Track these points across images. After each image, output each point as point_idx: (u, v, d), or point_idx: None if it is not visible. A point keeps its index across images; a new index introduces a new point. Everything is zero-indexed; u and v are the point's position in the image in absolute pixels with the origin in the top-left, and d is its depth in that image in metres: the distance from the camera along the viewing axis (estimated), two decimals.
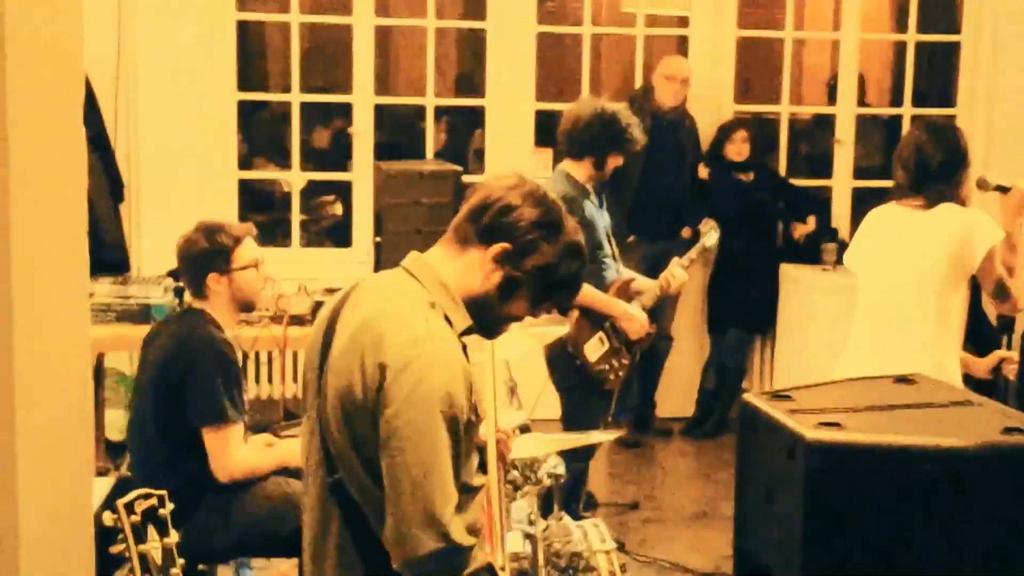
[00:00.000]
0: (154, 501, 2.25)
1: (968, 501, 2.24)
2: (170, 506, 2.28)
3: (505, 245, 2.49)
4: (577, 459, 4.78)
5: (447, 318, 2.49)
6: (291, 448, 3.96)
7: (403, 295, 2.50)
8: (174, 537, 2.14)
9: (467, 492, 2.45)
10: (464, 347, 2.51)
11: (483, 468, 2.69)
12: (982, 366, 4.51)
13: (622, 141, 5.00)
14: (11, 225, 1.98)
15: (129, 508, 2.20)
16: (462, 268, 2.52)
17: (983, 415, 2.42)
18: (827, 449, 2.22)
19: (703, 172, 6.83)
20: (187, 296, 4.35)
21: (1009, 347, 4.76)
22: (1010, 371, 4.46)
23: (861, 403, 2.43)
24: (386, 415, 2.36)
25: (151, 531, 2.14)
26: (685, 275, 5.23)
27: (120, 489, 4.05)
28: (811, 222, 6.91)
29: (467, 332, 2.53)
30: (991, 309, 4.57)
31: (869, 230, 4.19)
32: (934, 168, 3.94)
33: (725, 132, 6.78)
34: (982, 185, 4.17)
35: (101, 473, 5.46)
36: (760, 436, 2.40)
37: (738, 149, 6.73)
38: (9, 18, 1.92)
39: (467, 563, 2.40)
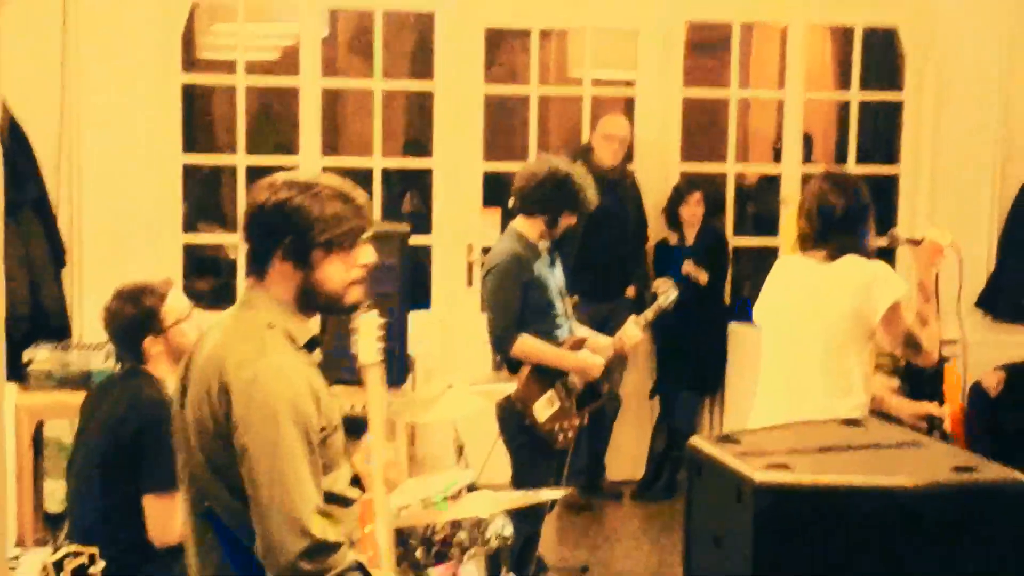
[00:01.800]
0: (84, 559, 2.17)
1: (919, 540, 2.20)
2: (100, 564, 2.20)
3: (285, 240, 2.60)
4: (527, 522, 4.71)
5: (290, 336, 2.60)
6: None
7: (240, 324, 2.64)
8: None
9: (335, 502, 2.57)
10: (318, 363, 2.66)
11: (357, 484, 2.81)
12: (908, 410, 4.51)
13: (576, 201, 5.00)
14: None
15: (58, 567, 2.12)
16: (277, 284, 2.63)
17: (932, 455, 2.39)
18: (775, 491, 2.18)
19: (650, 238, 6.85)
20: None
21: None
22: (947, 427, 4.45)
23: (809, 445, 2.40)
24: (237, 434, 2.49)
25: None
26: (640, 334, 5.21)
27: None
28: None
29: (312, 343, 2.66)
30: None
31: (774, 282, 4.17)
32: (836, 218, 3.92)
33: (679, 193, 6.78)
34: (893, 240, 4.22)
35: (40, 544, 5.32)
36: (707, 480, 2.35)
37: (692, 211, 6.73)
38: None
39: (337, 562, 2.48)
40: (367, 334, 2.88)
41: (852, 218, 3.94)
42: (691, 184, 6.85)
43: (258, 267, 2.66)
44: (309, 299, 2.64)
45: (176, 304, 3.96)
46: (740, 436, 2.45)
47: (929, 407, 4.40)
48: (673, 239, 6.86)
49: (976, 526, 2.21)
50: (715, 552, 2.33)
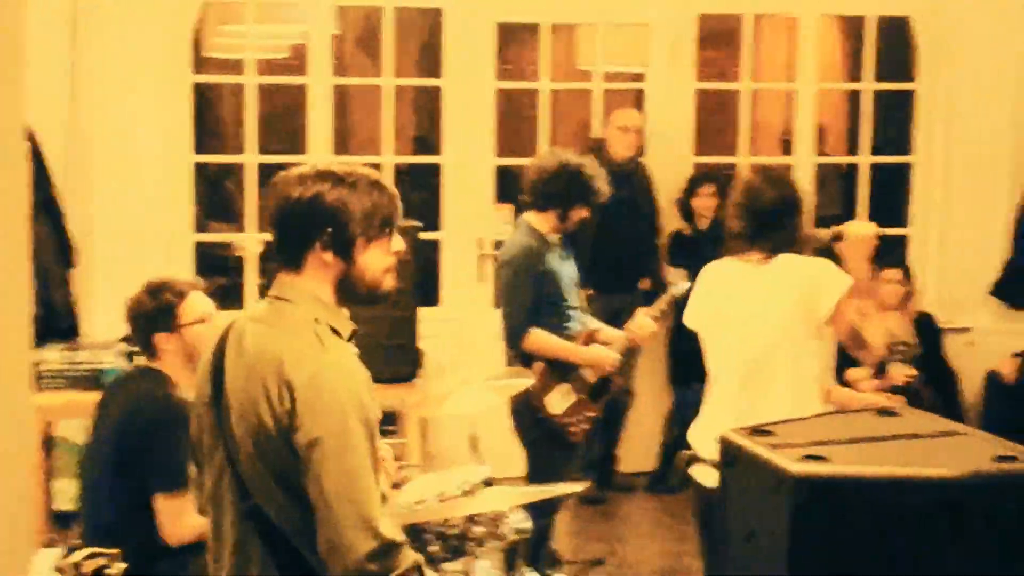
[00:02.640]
0: (104, 561, 2.13)
1: (961, 532, 2.15)
2: (121, 566, 2.16)
3: (325, 232, 2.53)
4: (541, 514, 4.67)
5: (333, 329, 2.54)
6: None
7: (286, 319, 2.55)
8: None
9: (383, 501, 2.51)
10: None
11: None
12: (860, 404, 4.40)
13: (587, 194, 4.97)
14: None
15: (77, 568, 2.08)
16: (313, 278, 2.56)
17: (971, 444, 2.35)
18: (813, 483, 2.14)
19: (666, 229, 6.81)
20: (139, 357, 4.25)
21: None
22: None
23: (844, 435, 2.35)
24: (303, 431, 2.41)
25: None
26: (653, 325, 5.17)
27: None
28: None
29: (353, 336, 2.60)
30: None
31: (706, 288, 4.01)
32: (767, 214, 3.79)
33: (693, 186, 6.75)
34: (814, 242, 4.11)
35: (48, 545, 5.29)
36: (741, 473, 2.31)
37: (705, 203, 6.70)
38: None
39: (400, 562, 2.44)
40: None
41: (785, 213, 3.80)
42: (704, 176, 6.81)
43: (292, 260, 2.58)
44: (348, 290, 2.59)
45: (196, 305, 3.95)
46: (773, 428, 2.40)
47: (878, 398, 4.28)
48: (687, 230, 6.81)
49: (1020, 516, 2.16)
50: (749, 547, 2.29)
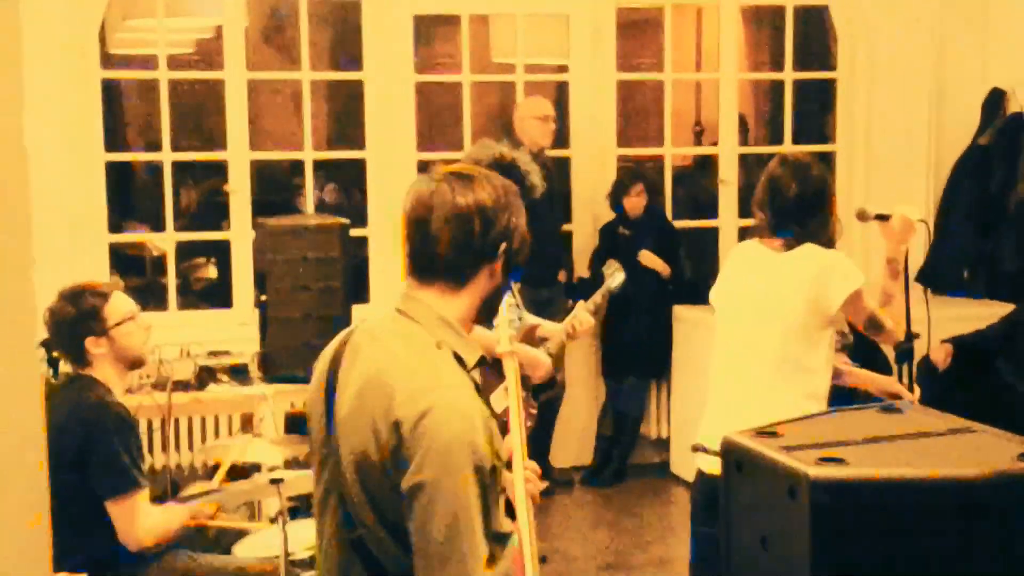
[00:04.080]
0: None
1: (986, 532, 2.11)
2: None
3: (504, 245, 2.32)
4: None
5: (457, 356, 2.31)
6: (194, 507, 3.83)
7: (405, 341, 2.30)
8: None
9: (499, 542, 2.28)
10: (478, 387, 2.32)
11: (509, 512, 2.47)
12: (877, 385, 4.38)
13: (523, 188, 4.87)
14: None
15: None
16: (467, 298, 2.33)
17: (985, 442, 2.31)
18: (833, 486, 2.07)
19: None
20: (64, 365, 4.09)
21: (910, 379, 4.69)
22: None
23: (855, 436, 2.30)
24: (407, 475, 2.18)
25: None
26: (591, 319, 5.11)
27: None
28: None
29: (480, 363, 2.37)
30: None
31: (732, 267, 3.99)
32: (790, 205, 3.72)
33: (623, 185, 6.72)
34: (862, 216, 4.07)
35: None
36: (749, 478, 2.24)
37: (634, 203, 6.69)
38: None
39: None
40: (501, 322, 2.54)
41: (807, 204, 3.73)
42: (634, 176, 6.79)
43: (460, 275, 2.31)
44: (483, 311, 2.37)
45: (120, 305, 3.86)
46: (779, 428, 2.33)
47: (896, 384, 4.25)
48: (620, 227, 6.78)
49: None
50: (762, 554, 2.22)
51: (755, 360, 3.74)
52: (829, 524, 2.09)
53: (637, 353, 6.78)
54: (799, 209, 3.72)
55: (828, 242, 3.80)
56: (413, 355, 2.28)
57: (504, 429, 4.82)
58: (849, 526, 2.11)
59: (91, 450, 3.60)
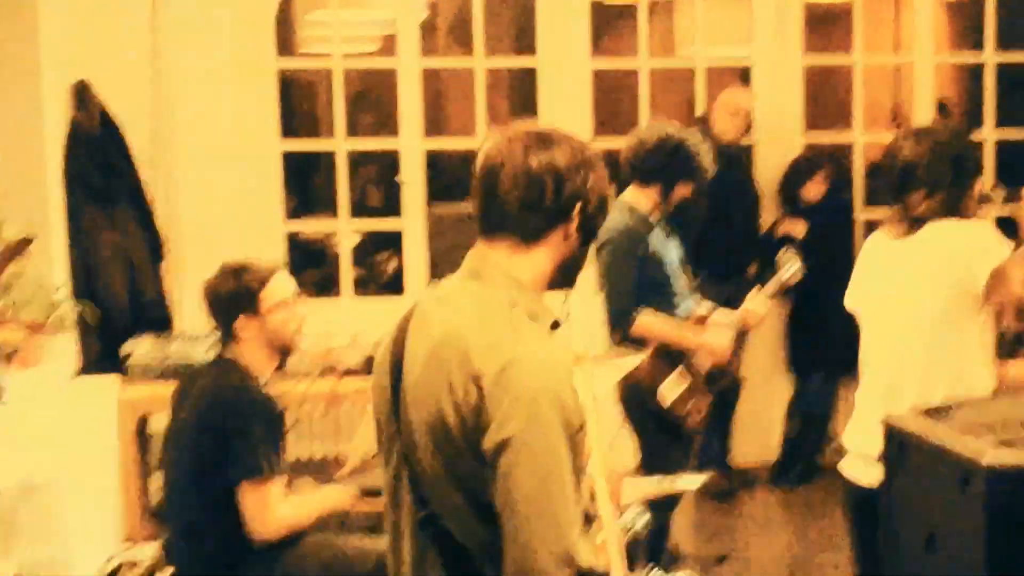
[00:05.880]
0: (141, 571, 1.88)
1: None
2: (165, 572, 1.91)
3: (579, 206, 2.19)
4: (660, 510, 4.39)
5: (532, 317, 2.16)
6: (332, 494, 3.77)
7: (476, 300, 2.17)
8: None
9: (586, 522, 2.12)
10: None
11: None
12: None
13: (691, 169, 4.67)
14: None
15: None
16: (539, 259, 2.20)
17: None
18: (1014, 475, 1.79)
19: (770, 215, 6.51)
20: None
21: None
22: None
23: None
24: (490, 431, 2.03)
25: None
26: (764, 308, 4.85)
27: (166, 553, 3.80)
28: None
29: (554, 327, 2.21)
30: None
31: (860, 265, 3.59)
32: (916, 178, 3.32)
33: (804, 171, 6.45)
34: (985, 200, 3.65)
35: (148, 540, 5.16)
36: (915, 464, 1.97)
37: (818, 189, 6.42)
38: None
39: None
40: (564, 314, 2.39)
41: (935, 176, 3.31)
42: (815, 162, 6.49)
43: (533, 232, 2.20)
44: (559, 276, 2.24)
45: (279, 289, 3.77)
46: (951, 409, 2.06)
47: None
48: (785, 220, 6.50)
49: None
50: (929, 553, 1.95)
51: (903, 361, 3.31)
52: (1010, 518, 1.80)
53: (826, 348, 6.46)
54: (927, 182, 3.31)
55: (960, 218, 3.36)
56: (487, 313, 2.14)
57: (682, 423, 4.65)
58: None
59: (230, 434, 3.55)
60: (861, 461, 3.14)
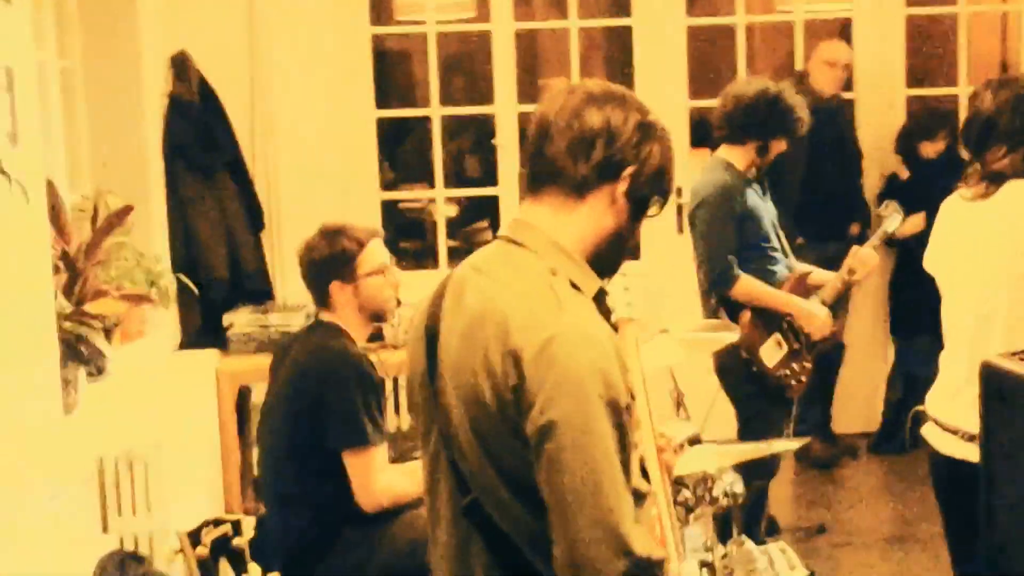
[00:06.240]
0: (227, 529, 1.86)
1: None
2: (248, 534, 1.89)
3: (631, 170, 2.06)
4: (757, 476, 4.31)
5: (573, 285, 2.03)
6: None
7: (516, 269, 2.04)
8: (254, 573, 1.74)
9: (637, 500, 1.98)
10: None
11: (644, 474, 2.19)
12: None
13: (788, 123, 4.58)
14: None
15: (195, 538, 1.81)
16: (583, 220, 2.07)
17: None
18: None
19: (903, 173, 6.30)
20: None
21: None
22: None
23: None
24: (532, 413, 1.90)
25: (223, 566, 1.75)
26: (874, 256, 4.72)
27: (259, 527, 3.78)
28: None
29: (598, 297, 2.09)
30: None
31: (938, 228, 3.38)
32: (996, 132, 3.09)
33: (924, 129, 6.26)
34: None
35: (250, 512, 5.19)
36: (1017, 414, 1.86)
37: (937, 148, 6.22)
38: None
39: None
40: (615, 287, 2.37)
41: (1016, 130, 3.08)
42: (937, 119, 6.31)
43: (579, 186, 2.06)
44: (603, 253, 2.09)
45: (374, 255, 3.71)
46: None
47: None
48: (904, 173, 6.31)
49: None
50: None
51: (982, 330, 3.18)
52: None
53: (930, 310, 6.27)
54: (1008, 137, 3.09)
55: None
56: (527, 282, 2.01)
57: (782, 387, 4.56)
58: None
59: (329, 397, 3.50)
60: (940, 430, 3.05)
